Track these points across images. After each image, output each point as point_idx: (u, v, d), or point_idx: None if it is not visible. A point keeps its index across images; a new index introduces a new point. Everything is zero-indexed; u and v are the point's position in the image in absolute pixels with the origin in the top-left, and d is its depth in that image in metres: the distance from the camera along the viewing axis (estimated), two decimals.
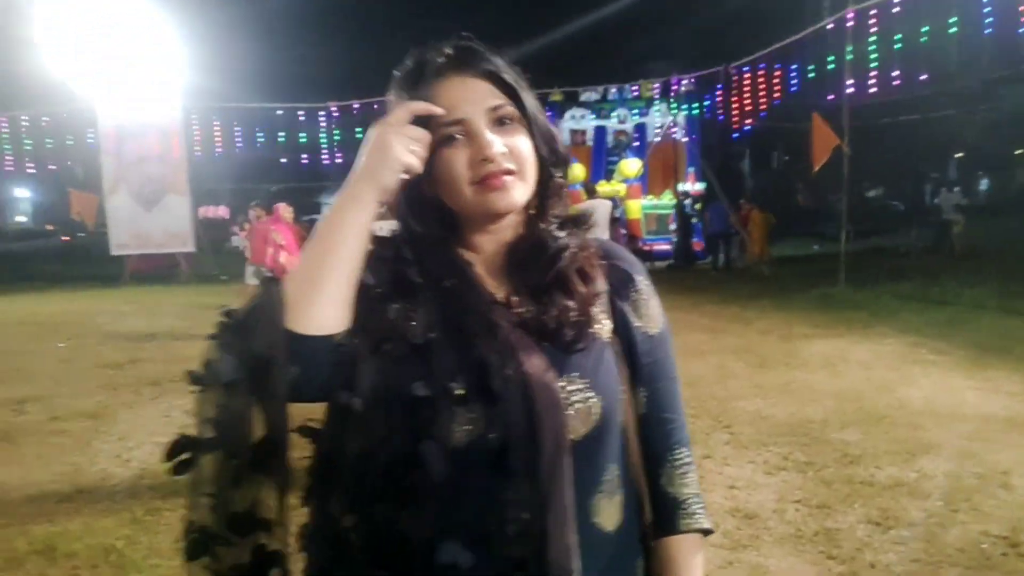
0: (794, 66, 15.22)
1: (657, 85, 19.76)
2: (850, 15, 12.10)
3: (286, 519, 0.86)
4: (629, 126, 23.75)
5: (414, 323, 0.90)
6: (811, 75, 14.79)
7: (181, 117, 15.96)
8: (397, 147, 0.90)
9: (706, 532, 1.03)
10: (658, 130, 21.38)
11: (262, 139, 17.83)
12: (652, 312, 1.03)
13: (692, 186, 20.63)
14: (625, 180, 21.07)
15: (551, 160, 1.00)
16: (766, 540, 3.36)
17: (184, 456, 0.84)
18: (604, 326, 0.98)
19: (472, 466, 0.86)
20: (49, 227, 36.17)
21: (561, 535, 0.87)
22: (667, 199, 20.11)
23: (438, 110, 0.93)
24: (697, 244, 19.45)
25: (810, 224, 25.86)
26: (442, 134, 0.94)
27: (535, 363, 0.89)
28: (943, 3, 13.53)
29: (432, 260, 0.97)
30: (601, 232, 10.45)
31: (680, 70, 20.33)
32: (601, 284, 1.00)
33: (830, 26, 13.13)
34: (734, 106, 17.55)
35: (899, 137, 25.00)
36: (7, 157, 18.57)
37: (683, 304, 10.90)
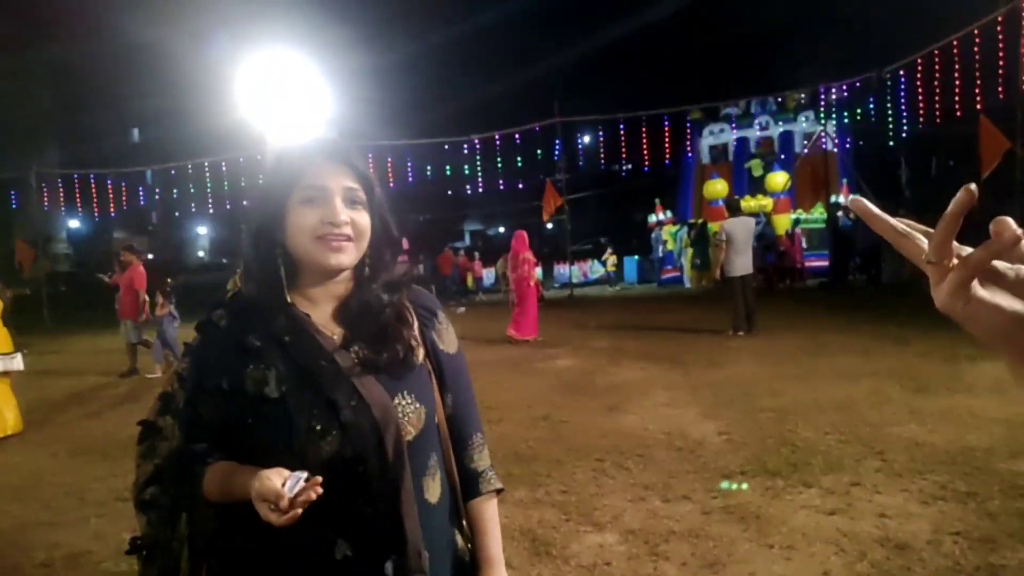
0: (956, 66, 14.16)
1: (803, 96, 18.89)
2: None
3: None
4: (774, 132, 22.78)
5: (267, 384, 1.14)
6: (976, 75, 13.70)
7: None
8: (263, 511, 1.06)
9: (498, 491, 1.34)
10: (806, 141, 20.43)
11: (411, 173, 18.85)
12: (451, 337, 1.36)
13: (846, 199, 19.55)
14: (772, 194, 20.34)
15: (385, 239, 1.27)
16: (919, 572, 3.18)
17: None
18: (420, 353, 1.28)
19: (336, 475, 1.09)
20: (225, 260, 39.55)
21: (411, 517, 1.13)
22: (818, 213, 19.17)
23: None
24: None
25: (979, 236, 23.83)
26: (306, 195, 1.17)
27: (373, 391, 1.16)
28: None
29: (269, 321, 1.18)
30: (743, 250, 10.18)
31: (829, 77, 19.43)
32: (415, 323, 1.30)
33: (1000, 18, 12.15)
34: (889, 112, 16.53)
35: None
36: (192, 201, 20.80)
37: (836, 324, 10.39)
